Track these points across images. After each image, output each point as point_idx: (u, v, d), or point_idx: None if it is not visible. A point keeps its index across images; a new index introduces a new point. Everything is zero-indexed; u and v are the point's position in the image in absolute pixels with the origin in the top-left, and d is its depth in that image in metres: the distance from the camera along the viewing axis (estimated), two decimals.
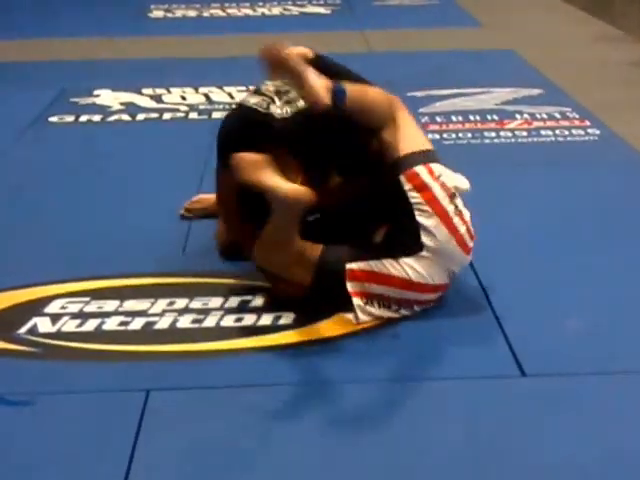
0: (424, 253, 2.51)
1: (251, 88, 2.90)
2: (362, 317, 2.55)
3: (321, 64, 2.64)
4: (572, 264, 2.91)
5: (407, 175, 2.52)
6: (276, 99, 2.72)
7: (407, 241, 2.52)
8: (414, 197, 2.51)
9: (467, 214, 2.59)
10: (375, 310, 2.56)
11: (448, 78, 5.04)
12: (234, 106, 2.90)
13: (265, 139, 2.61)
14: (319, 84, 2.50)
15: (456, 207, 2.55)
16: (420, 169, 2.53)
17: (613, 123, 4.23)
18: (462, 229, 2.55)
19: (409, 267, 2.52)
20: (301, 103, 2.66)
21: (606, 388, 2.30)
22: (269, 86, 2.79)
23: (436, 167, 2.57)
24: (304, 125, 2.62)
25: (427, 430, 2.14)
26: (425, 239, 2.51)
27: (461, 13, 7.17)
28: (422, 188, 2.52)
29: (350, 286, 2.54)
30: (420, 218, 2.50)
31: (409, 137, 2.58)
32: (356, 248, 2.58)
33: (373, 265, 2.53)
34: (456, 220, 2.54)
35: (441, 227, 2.51)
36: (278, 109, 2.68)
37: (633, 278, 2.83)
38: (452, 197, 2.55)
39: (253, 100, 2.75)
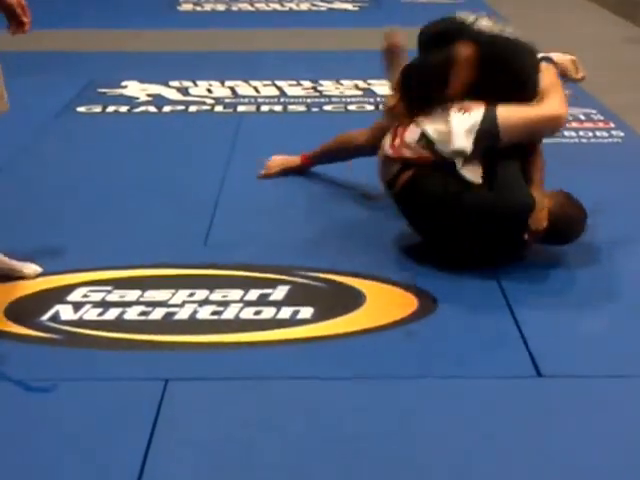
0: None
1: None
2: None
3: None
4: (591, 265, 2.91)
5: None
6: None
7: None
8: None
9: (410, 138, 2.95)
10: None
11: None
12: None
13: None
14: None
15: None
16: (467, 103, 2.96)
17: (638, 126, 4.21)
18: (397, 141, 2.99)
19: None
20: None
21: (622, 391, 2.30)
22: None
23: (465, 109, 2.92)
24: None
25: (442, 428, 2.15)
26: None
27: (488, 11, 7.13)
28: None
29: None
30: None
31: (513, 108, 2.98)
32: None
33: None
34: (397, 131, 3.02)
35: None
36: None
37: None
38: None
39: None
